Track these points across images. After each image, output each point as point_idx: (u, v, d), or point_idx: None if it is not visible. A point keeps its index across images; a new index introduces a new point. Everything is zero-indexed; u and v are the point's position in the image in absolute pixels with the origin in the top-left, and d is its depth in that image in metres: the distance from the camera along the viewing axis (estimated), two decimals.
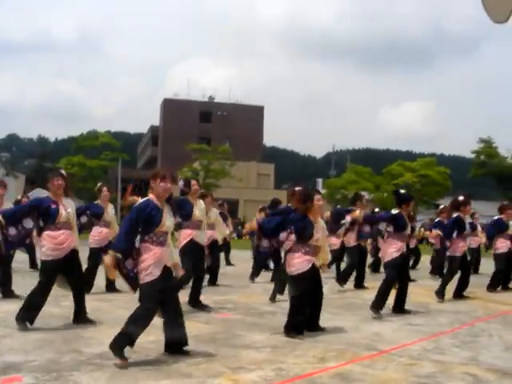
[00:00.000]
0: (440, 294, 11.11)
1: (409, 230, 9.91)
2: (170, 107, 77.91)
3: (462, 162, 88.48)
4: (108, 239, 10.97)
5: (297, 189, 8.47)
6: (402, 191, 10.23)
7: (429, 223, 21.79)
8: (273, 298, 10.38)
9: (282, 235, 7.68)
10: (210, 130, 75.85)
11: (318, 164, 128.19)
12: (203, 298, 9.65)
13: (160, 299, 5.99)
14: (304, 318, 7.54)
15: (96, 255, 10.94)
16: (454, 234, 11.06)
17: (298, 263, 7.50)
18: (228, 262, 18.95)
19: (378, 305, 9.16)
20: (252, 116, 77.93)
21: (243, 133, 74.91)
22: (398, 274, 9.39)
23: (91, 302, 9.58)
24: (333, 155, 78.34)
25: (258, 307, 9.88)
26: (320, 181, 68.44)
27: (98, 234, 11.06)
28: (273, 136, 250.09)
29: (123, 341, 5.86)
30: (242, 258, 20.10)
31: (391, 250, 9.43)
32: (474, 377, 5.73)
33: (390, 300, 9.46)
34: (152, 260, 5.96)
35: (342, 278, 12.82)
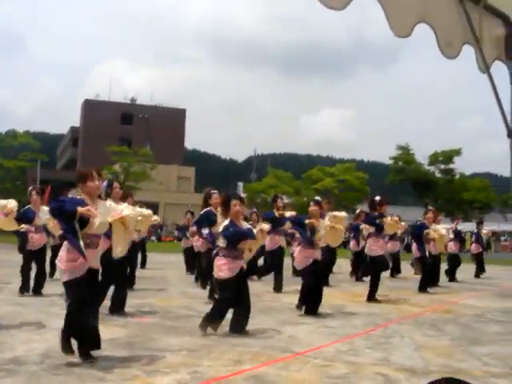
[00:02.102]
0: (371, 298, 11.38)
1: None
2: (91, 108, 76.61)
3: (381, 168, 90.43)
4: (41, 244, 10.81)
5: (216, 194, 8.69)
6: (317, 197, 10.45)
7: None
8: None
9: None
10: (131, 132, 75.06)
11: (239, 168, 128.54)
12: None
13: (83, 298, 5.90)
14: (219, 322, 7.60)
15: (29, 258, 10.85)
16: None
17: (226, 268, 7.59)
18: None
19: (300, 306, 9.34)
20: (174, 119, 77.52)
21: (164, 135, 74.45)
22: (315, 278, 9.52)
23: (4, 306, 9.38)
24: (254, 159, 78.80)
25: (174, 310, 9.84)
26: (241, 184, 68.73)
27: (30, 239, 10.82)
28: (194, 139, 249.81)
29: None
30: (161, 261, 19.97)
31: (302, 257, 9.58)
32: (384, 376, 5.88)
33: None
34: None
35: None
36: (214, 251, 7.90)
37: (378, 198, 11.75)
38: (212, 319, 7.60)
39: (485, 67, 3.13)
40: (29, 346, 6.24)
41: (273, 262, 13.23)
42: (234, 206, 7.78)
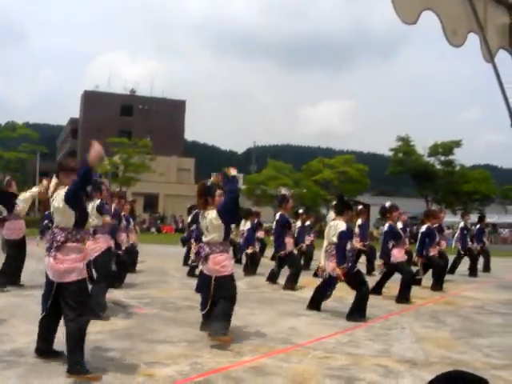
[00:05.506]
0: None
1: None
2: (91, 100, 76.43)
3: (381, 160, 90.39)
4: (22, 232, 10.82)
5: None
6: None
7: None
8: None
9: None
10: (130, 124, 74.92)
11: (238, 159, 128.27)
12: (121, 293, 9.56)
13: None
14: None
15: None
16: (390, 245, 11.04)
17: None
18: None
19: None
20: (173, 110, 77.40)
21: (164, 127, 74.41)
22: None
23: (4, 298, 9.37)
24: (254, 151, 78.60)
25: (174, 302, 9.82)
26: (241, 176, 68.68)
27: (12, 226, 10.81)
28: (194, 131, 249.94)
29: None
30: (160, 253, 19.95)
31: None
32: (385, 368, 5.87)
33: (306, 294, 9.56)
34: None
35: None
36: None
37: (387, 204, 11.46)
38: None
39: (489, 56, 3.10)
40: (29, 337, 6.21)
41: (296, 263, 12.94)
42: (219, 196, 7.24)
